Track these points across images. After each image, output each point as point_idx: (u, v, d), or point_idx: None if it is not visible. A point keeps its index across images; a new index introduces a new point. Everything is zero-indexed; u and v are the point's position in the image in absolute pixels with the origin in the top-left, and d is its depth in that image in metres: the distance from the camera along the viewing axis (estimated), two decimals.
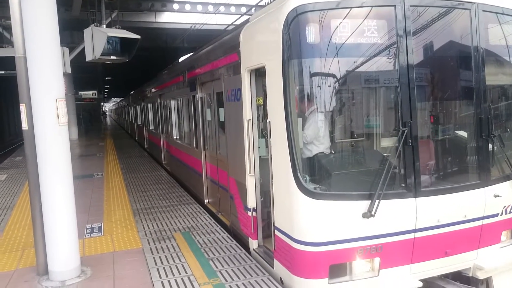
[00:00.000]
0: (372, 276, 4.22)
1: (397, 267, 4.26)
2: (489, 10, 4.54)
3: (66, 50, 8.01)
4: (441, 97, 4.88)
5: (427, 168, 4.48)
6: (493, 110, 4.60)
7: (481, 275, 4.59)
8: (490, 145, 4.56)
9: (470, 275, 4.64)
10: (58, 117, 4.56)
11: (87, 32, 6.95)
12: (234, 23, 15.02)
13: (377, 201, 3.93)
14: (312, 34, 3.99)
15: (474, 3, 4.41)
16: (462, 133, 4.77)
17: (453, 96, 4.91)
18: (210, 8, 17.57)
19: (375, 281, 4.21)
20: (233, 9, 17.95)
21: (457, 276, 4.72)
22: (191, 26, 18.14)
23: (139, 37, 7.14)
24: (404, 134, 4.05)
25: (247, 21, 5.60)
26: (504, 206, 4.62)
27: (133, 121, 27.79)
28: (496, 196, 4.50)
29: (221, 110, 6.62)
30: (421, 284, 4.26)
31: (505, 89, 5.20)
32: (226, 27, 15.40)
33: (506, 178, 4.63)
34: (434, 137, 4.77)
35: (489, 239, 4.64)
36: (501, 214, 4.62)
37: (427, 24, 4.34)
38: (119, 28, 7.58)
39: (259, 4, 13.84)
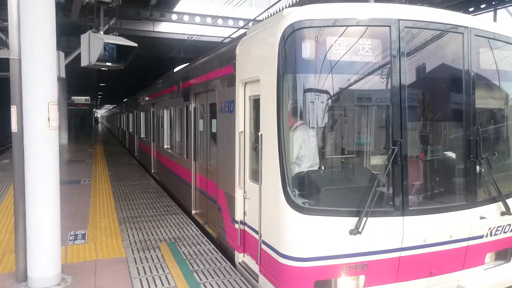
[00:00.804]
0: None
1: (382, 286, 4.24)
2: (481, 35, 4.65)
3: (62, 54, 7.99)
4: (431, 118, 4.95)
5: (415, 188, 4.51)
6: (481, 133, 4.67)
7: None
8: (477, 167, 4.61)
9: None
10: (49, 121, 4.52)
11: (84, 37, 6.94)
12: (231, 36, 15.15)
13: (364, 218, 3.94)
14: (308, 50, 4.04)
15: (467, 27, 4.51)
16: (451, 154, 4.83)
17: (443, 118, 4.99)
18: (208, 20, 17.73)
19: None
20: (230, 22, 18.14)
21: None
22: (188, 37, 18.26)
23: (136, 45, 7.15)
24: (394, 153, 4.09)
25: (244, 34, 5.66)
26: (489, 228, 4.66)
27: (124, 129, 27.65)
28: (482, 218, 4.54)
29: (214, 121, 6.63)
30: None
31: (493, 113, 5.30)
32: (223, 40, 15.55)
33: (492, 200, 4.68)
34: (423, 157, 4.81)
35: (473, 261, 4.66)
36: (486, 236, 4.66)
37: (420, 46, 4.43)
38: (116, 35, 7.59)
39: (256, 18, 14.01)
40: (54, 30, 4.62)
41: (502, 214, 4.66)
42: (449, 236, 4.38)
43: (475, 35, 4.60)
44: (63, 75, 6.43)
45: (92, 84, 36.27)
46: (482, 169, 4.63)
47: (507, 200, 4.67)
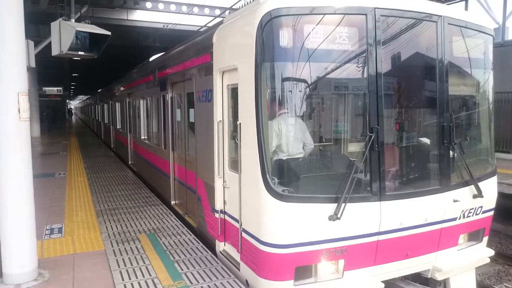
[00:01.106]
0: (336, 277, 4.29)
1: (361, 269, 4.35)
2: (454, 24, 4.74)
3: (31, 43, 7.68)
4: (406, 105, 5.05)
5: (392, 173, 4.61)
6: (454, 119, 4.80)
7: (439, 277, 4.77)
8: (451, 152, 4.75)
9: (429, 276, 4.82)
10: (19, 112, 4.37)
11: (54, 25, 6.70)
12: (207, 25, 14.95)
13: (343, 204, 4.01)
14: (285, 38, 4.02)
15: (441, 16, 4.60)
16: (426, 140, 4.95)
17: (418, 105, 5.10)
18: (184, 8, 17.42)
19: (339, 283, 4.28)
20: (207, 10, 17.89)
21: (417, 278, 4.89)
22: (164, 26, 17.91)
23: (109, 33, 6.97)
24: (371, 139, 4.16)
25: (221, 22, 5.59)
26: (462, 211, 4.83)
27: (99, 120, 27.06)
28: (455, 201, 4.70)
29: (192, 110, 6.56)
30: (383, 285, 4.38)
31: (466, 100, 5.45)
32: (199, 29, 15.30)
33: (464, 184, 4.84)
34: (399, 144, 4.92)
35: (447, 242, 4.83)
36: (459, 218, 4.83)
37: (396, 35, 4.49)
38: (88, 24, 7.36)
39: (233, 7, 13.85)
40: (22, 18, 4.45)
41: (474, 197, 4.83)
42: (424, 219, 4.52)
43: (448, 24, 4.69)
44: (33, 64, 6.20)
45: (64, 75, 35.18)
46: (455, 154, 4.78)
47: (479, 183, 4.85)
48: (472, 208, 4.93)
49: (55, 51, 6.86)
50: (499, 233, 10.36)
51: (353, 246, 4.23)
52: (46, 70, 26.19)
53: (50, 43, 7.33)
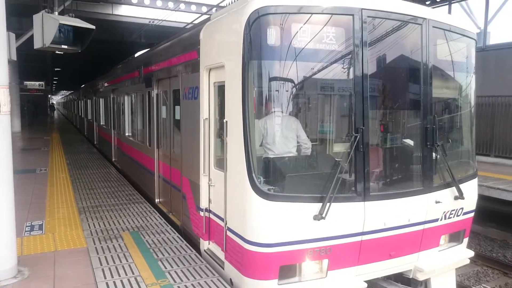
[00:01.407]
0: (320, 277, 4.32)
1: (344, 269, 4.39)
2: (438, 27, 4.82)
3: (13, 35, 7.46)
4: (391, 107, 5.11)
5: (376, 174, 4.66)
6: (437, 122, 4.88)
7: (420, 277, 4.85)
8: (433, 154, 4.82)
9: (411, 276, 4.89)
10: (0, 105, 4.25)
11: (37, 18, 6.54)
12: (193, 22, 14.83)
13: (328, 204, 4.03)
14: (273, 36, 4.02)
15: (426, 18, 4.66)
16: (409, 142, 5.02)
17: (403, 107, 5.16)
18: (170, 4, 17.25)
19: (323, 282, 4.30)
20: (193, 7, 17.76)
21: (399, 278, 4.95)
22: (150, 22, 17.70)
23: (93, 27, 6.83)
24: (356, 140, 4.19)
25: (208, 19, 5.55)
26: (444, 212, 4.91)
27: (82, 116, 26.61)
28: (437, 202, 4.77)
29: (177, 108, 6.50)
30: (366, 285, 4.42)
31: (448, 102, 5.54)
32: (186, 25, 15.18)
33: (446, 185, 4.92)
34: (383, 145, 4.97)
35: (429, 243, 4.91)
36: (441, 219, 4.91)
37: (382, 36, 4.53)
38: (72, 17, 7.21)
39: (220, 4, 13.78)
40: (4, 10, 4.35)
41: (456, 198, 4.92)
42: (407, 220, 4.58)
43: (433, 27, 4.76)
44: (14, 57, 6.02)
45: (46, 69, 34.47)
46: (438, 156, 4.85)
47: (460, 185, 4.94)
48: (454, 210, 5.02)
49: (37, 44, 6.69)
50: (479, 234, 10.60)
51: (337, 245, 4.26)
52: (28, 63, 25.62)
53: (32, 36, 7.15)
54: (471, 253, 5.44)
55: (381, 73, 4.73)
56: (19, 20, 16.46)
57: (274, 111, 4.36)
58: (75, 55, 8.91)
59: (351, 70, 4.33)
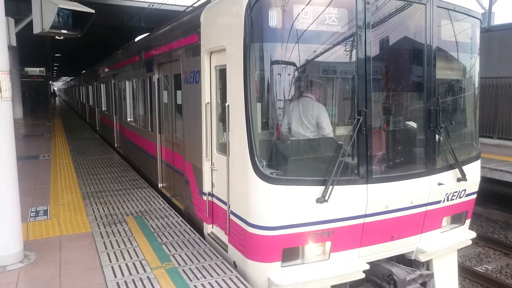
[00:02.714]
0: (323, 259, 4.36)
1: (347, 251, 4.43)
2: (443, 6, 4.74)
3: (11, 20, 7.39)
4: (394, 89, 5.06)
5: (379, 156, 4.65)
6: (441, 104, 4.84)
7: (422, 258, 4.89)
8: (437, 136, 4.80)
9: (413, 258, 4.93)
10: (1, 91, 4.24)
11: (35, 2, 6.43)
12: (193, 5, 14.63)
13: (330, 187, 4.03)
14: (274, 18, 3.96)
15: None
16: (412, 124, 4.99)
17: (406, 89, 5.11)
18: None
19: (326, 264, 4.34)
20: None
21: (401, 259, 4.99)
22: (149, 5, 17.48)
23: (93, 11, 6.72)
24: (359, 123, 4.17)
25: (208, 1, 5.47)
26: (446, 194, 4.92)
27: (84, 102, 26.58)
28: (439, 184, 4.78)
29: (179, 92, 6.47)
30: (368, 266, 4.46)
31: (452, 84, 5.49)
32: (186, 9, 14.98)
33: (449, 167, 4.92)
34: (387, 127, 4.95)
35: (431, 225, 4.93)
36: (443, 201, 4.92)
37: (385, 18, 4.46)
38: (71, 1, 7.11)
39: None
40: None
41: (458, 180, 4.92)
42: (410, 202, 4.59)
43: (437, 7, 4.68)
44: (13, 43, 5.97)
45: (47, 55, 34.25)
46: (441, 138, 4.83)
47: (463, 167, 4.93)
48: (456, 191, 5.02)
49: (36, 29, 6.61)
50: (480, 216, 10.65)
51: (340, 228, 4.28)
52: (28, 50, 25.45)
53: (31, 22, 7.08)
54: (473, 234, 5.48)
55: (384, 55, 4.67)
56: (18, 5, 16.28)
57: (276, 93, 4.30)
58: (75, 40, 8.86)
59: (354, 52, 4.28)
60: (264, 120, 4.31)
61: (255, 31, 4.01)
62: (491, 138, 13.23)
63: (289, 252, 4.21)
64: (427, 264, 5.13)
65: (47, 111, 33.94)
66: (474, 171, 5.24)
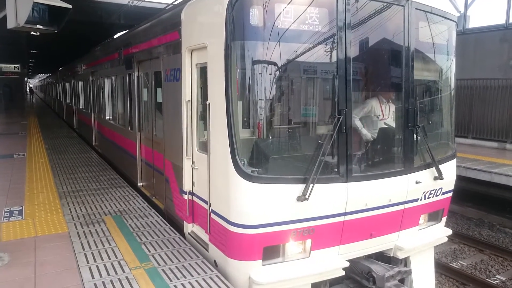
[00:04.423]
0: (303, 257, 4.38)
1: (327, 249, 4.47)
2: (421, 9, 4.83)
3: None
4: (373, 89, 5.13)
5: (358, 155, 4.71)
6: (418, 104, 4.93)
7: (401, 255, 4.98)
8: (414, 136, 4.90)
9: (391, 255, 5.02)
10: None
11: None
12: (173, 3, 14.49)
13: (311, 185, 4.06)
14: (255, 16, 3.96)
15: (408, 0, 4.66)
16: (391, 123, 5.07)
17: (385, 89, 5.19)
18: None
19: (306, 262, 4.37)
20: None
21: (380, 256, 5.07)
22: (129, 2, 17.20)
23: (70, 6, 6.57)
24: (340, 121, 4.21)
25: None
26: (424, 192, 5.02)
27: (61, 99, 25.97)
28: (417, 182, 4.87)
29: (159, 90, 6.39)
30: (348, 264, 4.51)
31: (430, 85, 5.61)
32: (166, 6, 14.81)
33: (426, 166, 5.02)
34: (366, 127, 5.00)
35: (409, 222, 5.03)
36: (421, 199, 5.02)
37: (365, 19, 4.51)
38: None
39: None
40: None
41: (435, 178, 5.03)
42: (388, 200, 4.67)
43: (415, 9, 4.77)
44: None
45: (22, 51, 33.23)
46: (419, 137, 4.93)
47: (440, 166, 5.04)
48: (433, 190, 5.14)
49: (10, 24, 6.40)
50: (456, 213, 10.93)
51: (320, 226, 4.31)
52: (2, 46, 24.65)
53: (5, 17, 6.86)
54: (449, 232, 5.62)
55: (364, 55, 4.74)
56: None
57: (257, 92, 4.29)
58: (52, 37, 8.62)
59: (334, 52, 4.31)
60: (245, 118, 4.30)
61: (236, 29, 4.00)
62: (466, 138, 13.61)
63: (270, 250, 4.22)
64: (405, 261, 5.23)
65: (22, 109, 33.01)
66: (450, 170, 5.36)
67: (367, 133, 4.84)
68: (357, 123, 4.70)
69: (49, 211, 6.34)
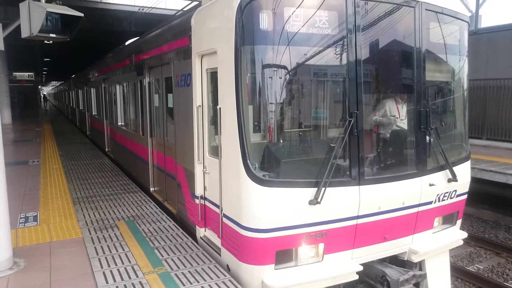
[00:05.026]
0: (316, 261, 4.35)
1: (340, 252, 4.43)
2: (431, 9, 4.79)
3: None
4: (385, 91, 5.10)
5: (370, 158, 4.67)
6: (431, 105, 4.88)
7: (415, 259, 4.91)
8: (427, 137, 4.84)
9: (406, 258, 4.95)
10: None
11: (23, 6, 6.37)
12: (183, 9, 14.62)
13: (323, 188, 4.04)
14: (265, 21, 3.97)
15: (418, 1, 4.63)
16: (403, 126, 5.02)
17: (396, 91, 5.15)
18: None
19: (319, 266, 4.34)
20: None
21: (394, 260, 5.01)
22: (139, 9, 17.45)
23: (82, 15, 6.68)
24: (351, 124, 4.19)
25: (199, 4, 5.46)
26: (438, 194, 4.96)
27: (74, 106, 26.35)
28: (431, 185, 4.81)
29: (170, 95, 6.45)
30: (361, 268, 4.47)
31: (442, 86, 5.55)
32: (176, 13, 14.98)
33: (440, 168, 4.95)
34: (378, 129, 4.97)
35: (423, 225, 4.96)
36: (435, 202, 4.96)
37: (375, 20, 4.49)
38: (60, 5, 7.06)
39: None
40: None
41: (449, 181, 4.96)
42: (402, 203, 4.62)
43: (426, 9, 4.73)
44: (1, 47, 5.91)
45: (35, 59, 33.93)
46: (432, 139, 4.87)
47: (453, 168, 4.97)
48: (447, 192, 5.07)
49: (24, 33, 6.54)
50: (471, 216, 10.76)
51: (333, 230, 4.28)
52: (16, 55, 25.18)
53: (19, 26, 7.01)
54: (465, 235, 5.52)
55: (374, 57, 4.71)
56: (5, 9, 16.14)
57: (267, 96, 4.29)
58: (65, 45, 8.77)
59: (344, 54, 4.30)
60: (256, 122, 4.31)
61: (246, 34, 4.01)
62: (480, 139, 13.40)
63: (283, 254, 4.20)
64: (420, 265, 5.15)
65: (36, 116, 33.57)
66: (464, 172, 5.29)
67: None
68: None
69: (63, 217, 6.42)
